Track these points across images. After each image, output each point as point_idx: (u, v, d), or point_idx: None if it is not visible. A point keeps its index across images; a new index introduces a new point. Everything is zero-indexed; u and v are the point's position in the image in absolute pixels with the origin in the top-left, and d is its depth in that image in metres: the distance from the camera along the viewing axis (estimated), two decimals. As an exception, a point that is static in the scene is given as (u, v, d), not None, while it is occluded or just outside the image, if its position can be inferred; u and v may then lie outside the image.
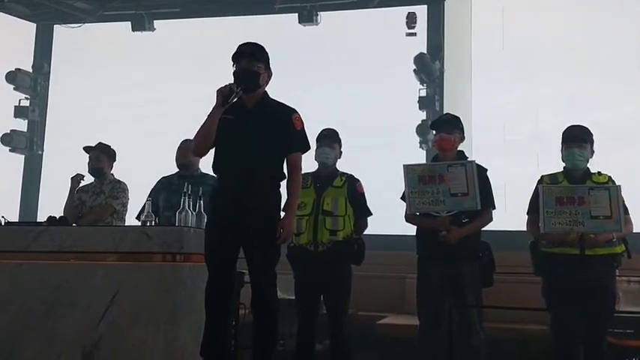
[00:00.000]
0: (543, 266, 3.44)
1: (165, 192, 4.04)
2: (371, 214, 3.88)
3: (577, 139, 3.46)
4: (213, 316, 3.04)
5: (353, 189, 3.80)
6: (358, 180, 3.87)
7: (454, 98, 6.23)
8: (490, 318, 3.94)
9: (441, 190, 3.41)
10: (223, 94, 3.02)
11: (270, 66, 3.19)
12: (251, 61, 3.09)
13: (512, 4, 6.19)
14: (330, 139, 3.84)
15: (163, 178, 4.17)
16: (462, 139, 3.69)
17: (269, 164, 3.11)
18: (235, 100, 3.05)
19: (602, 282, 3.33)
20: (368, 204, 3.87)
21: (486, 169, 3.60)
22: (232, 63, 3.12)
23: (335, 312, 3.73)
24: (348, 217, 3.73)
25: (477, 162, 3.52)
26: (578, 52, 5.90)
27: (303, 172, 3.75)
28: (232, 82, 3.06)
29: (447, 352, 3.28)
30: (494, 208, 3.58)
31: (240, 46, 3.14)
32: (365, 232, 3.90)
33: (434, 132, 3.72)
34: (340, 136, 3.93)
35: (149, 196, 4.04)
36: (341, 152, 3.92)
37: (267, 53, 3.18)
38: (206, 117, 3.10)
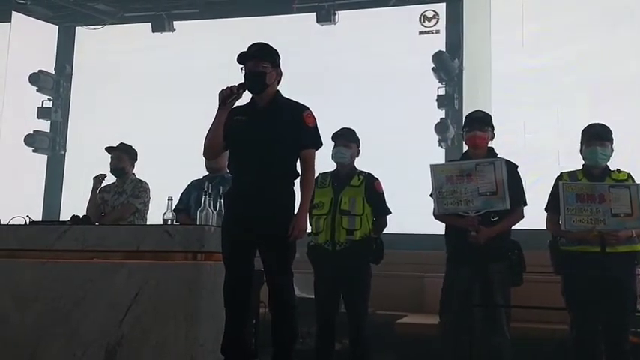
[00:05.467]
0: (563, 265, 3.41)
1: (196, 192, 4.07)
2: (390, 212, 3.86)
3: (599, 137, 3.42)
4: (232, 314, 3.08)
5: (371, 188, 3.79)
6: (377, 179, 3.85)
7: (473, 96, 6.19)
8: (512, 317, 3.92)
9: (470, 190, 3.36)
10: (223, 95, 3.09)
11: (280, 65, 3.20)
12: (256, 61, 3.12)
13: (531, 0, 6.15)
14: (345, 138, 3.83)
15: (194, 180, 4.20)
16: (493, 136, 3.66)
17: (282, 163, 3.13)
18: (236, 101, 3.12)
19: (622, 280, 3.29)
20: (387, 203, 3.86)
21: (517, 166, 3.55)
22: (241, 66, 3.15)
23: (354, 312, 3.73)
24: (365, 216, 3.72)
25: (507, 159, 3.47)
26: (600, 47, 5.83)
27: (323, 171, 3.79)
28: (237, 83, 3.11)
29: (470, 352, 3.27)
30: (525, 205, 3.54)
31: (247, 48, 3.18)
32: (384, 231, 3.89)
33: (465, 129, 3.66)
34: (358, 135, 3.91)
35: (180, 196, 4.11)
36: (359, 151, 3.90)
37: (274, 52, 3.19)
38: (212, 120, 3.16)
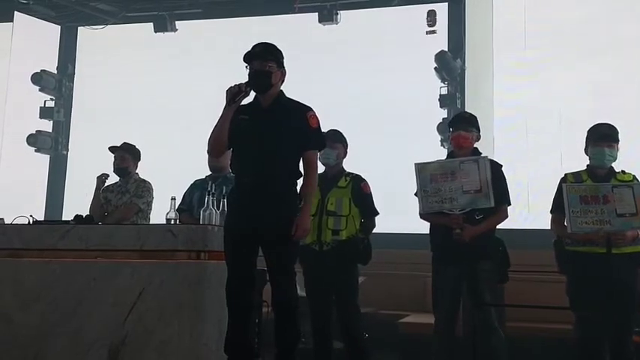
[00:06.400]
0: (568, 265, 3.42)
1: (199, 192, 4.08)
2: (377, 213, 3.88)
3: (607, 137, 3.42)
4: (234, 313, 3.08)
5: (358, 189, 3.81)
6: (364, 180, 3.87)
7: (476, 96, 6.19)
8: (513, 317, 3.92)
9: (454, 188, 3.39)
10: (232, 92, 3.08)
11: (284, 65, 3.21)
12: (262, 61, 3.13)
13: (533, 0, 6.15)
14: (331, 139, 3.81)
15: (197, 180, 4.22)
16: (479, 138, 3.69)
17: (285, 163, 3.14)
18: (244, 99, 3.12)
19: (627, 281, 3.29)
20: (375, 204, 3.87)
21: (501, 165, 3.57)
22: (245, 65, 3.16)
23: (344, 312, 3.75)
24: (351, 217, 3.75)
25: (492, 158, 3.49)
26: (602, 47, 5.82)
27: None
28: (243, 82, 3.11)
29: (467, 352, 3.28)
30: (509, 204, 3.55)
31: (252, 47, 3.18)
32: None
33: (451, 129, 3.71)
34: (344, 136, 3.92)
35: (183, 196, 4.12)
36: (346, 152, 3.92)
37: (279, 52, 3.20)
38: (218, 118, 3.16)
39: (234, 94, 3.09)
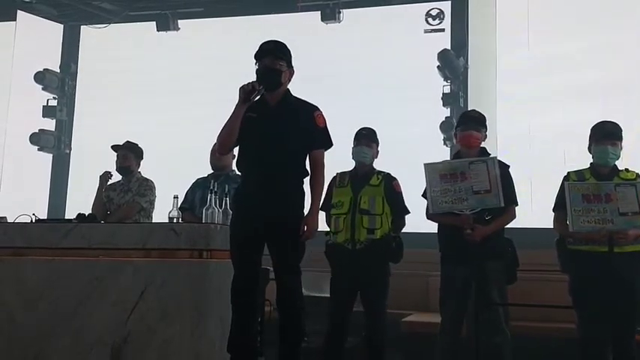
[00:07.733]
0: (570, 264, 3.40)
1: (201, 191, 4.09)
2: (408, 212, 3.87)
3: (611, 136, 3.40)
4: (239, 313, 3.08)
5: (390, 187, 3.81)
6: (395, 178, 3.87)
7: (479, 94, 6.18)
8: (516, 316, 3.91)
9: (464, 188, 3.38)
10: (245, 91, 3.06)
11: (292, 64, 3.21)
12: (273, 59, 3.12)
13: (537, -2, 6.14)
14: (368, 138, 3.85)
15: (199, 178, 4.22)
16: (486, 137, 3.68)
17: (292, 162, 3.13)
18: (257, 97, 3.10)
19: (629, 280, 3.27)
20: (405, 202, 3.87)
21: (508, 166, 3.57)
22: (255, 61, 3.16)
23: (371, 310, 3.73)
24: (385, 215, 3.74)
25: (499, 159, 3.49)
26: (604, 45, 5.80)
27: (340, 170, 3.80)
28: (255, 79, 3.09)
29: (472, 351, 3.27)
30: (517, 204, 3.55)
31: (262, 44, 3.17)
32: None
33: (459, 127, 3.69)
34: (378, 137, 3.93)
35: (185, 195, 4.12)
36: (378, 151, 3.93)
37: (289, 51, 3.20)
38: (230, 115, 3.14)
39: (248, 92, 3.06)
